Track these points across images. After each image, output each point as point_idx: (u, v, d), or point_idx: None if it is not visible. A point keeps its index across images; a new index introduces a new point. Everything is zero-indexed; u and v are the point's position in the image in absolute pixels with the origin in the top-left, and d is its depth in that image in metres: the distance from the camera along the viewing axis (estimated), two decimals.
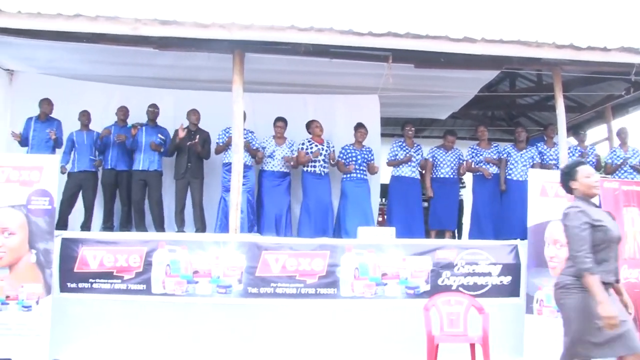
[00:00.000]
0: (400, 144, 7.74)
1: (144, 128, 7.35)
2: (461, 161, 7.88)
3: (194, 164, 7.27)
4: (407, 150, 7.65)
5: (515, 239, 6.24)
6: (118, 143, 7.25)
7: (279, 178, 7.34)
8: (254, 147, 7.24)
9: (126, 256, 5.49)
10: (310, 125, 7.51)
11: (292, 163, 7.30)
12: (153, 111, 7.44)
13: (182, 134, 7.11)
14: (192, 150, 7.25)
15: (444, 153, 7.85)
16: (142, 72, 7.51)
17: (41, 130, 7.15)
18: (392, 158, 7.68)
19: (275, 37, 5.84)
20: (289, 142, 7.44)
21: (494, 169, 7.72)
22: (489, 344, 4.89)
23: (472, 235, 7.63)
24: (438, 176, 7.82)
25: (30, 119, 7.21)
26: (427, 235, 7.68)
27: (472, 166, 7.81)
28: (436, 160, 7.82)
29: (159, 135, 7.35)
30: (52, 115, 7.31)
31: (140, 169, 7.25)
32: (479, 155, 7.82)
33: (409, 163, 7.59)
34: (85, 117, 7.36)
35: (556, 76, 6.62)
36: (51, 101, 7.26)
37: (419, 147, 7.84)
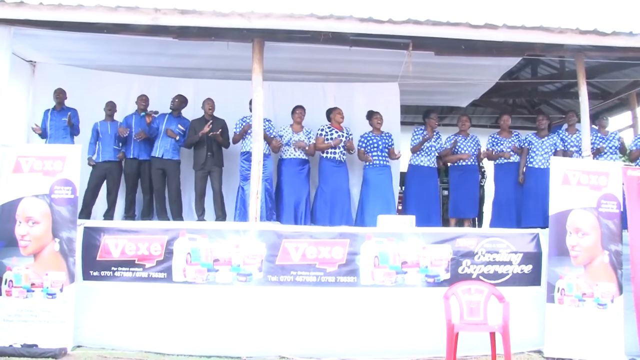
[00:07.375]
0: (421, 131, 7.69)
1: (166, 116, 7.40)
2: (480, 147, 7.82)
3: (213, 153, 7.30)
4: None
5: (537, 227, 6.19)
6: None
7: (298, 166, 7.30)
8: (272, 136, 7.21)
9: (147, 245, 5.53)
10: (332, 112, 7.46)
11: (306, 149, 7.27)
12: (174, 101, 7.46)
13: (206, 130, 7.14)
14: (211, 141, 7.26)
15: (462, 140, 7.79)
16: (162, 61, 7.55)
17: (58, 120, 7.23)
18: (416, 144, 7.63)
19: (295, 25, 5.82)
20: (306, 130, 7.40)
21: (515, 158, 7.64)
22: (509, 333, 4.86)
23: (493, 224, 7.56)
24: (458, 163, 7.76)
25: (47, 110, 7.31)
26: (447, 223, 7.64)
27: (493, 154, 7.73)
28: (455, 147, 7.75)
29: (178, 125, 7.38)
30: (68, 105, 7.34)
31: (157, 155, 7.30)
32: (499, 144, 7.73)
33: (428, 152, 7.56)
34: (110, 107, 7.44)
35: (579, 63, 6.46)
36: (64, 90, 7.33)
37: (438, 134, 7.79)
